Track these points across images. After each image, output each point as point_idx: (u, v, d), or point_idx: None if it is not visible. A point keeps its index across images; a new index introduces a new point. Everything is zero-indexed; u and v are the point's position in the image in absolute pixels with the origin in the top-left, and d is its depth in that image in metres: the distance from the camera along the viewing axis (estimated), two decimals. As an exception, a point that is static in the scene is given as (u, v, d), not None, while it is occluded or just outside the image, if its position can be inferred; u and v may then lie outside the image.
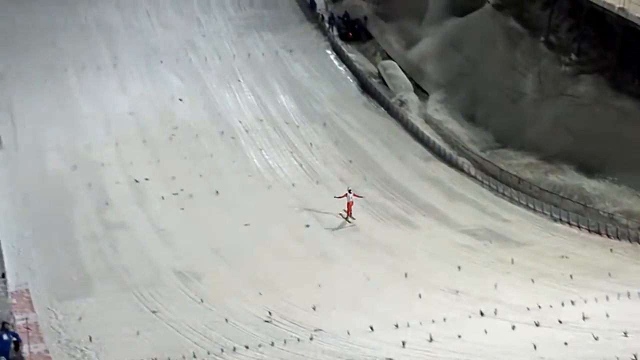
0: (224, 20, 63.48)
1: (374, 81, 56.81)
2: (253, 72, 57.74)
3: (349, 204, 41.96)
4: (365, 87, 56.72)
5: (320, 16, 63.69)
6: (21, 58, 56.89)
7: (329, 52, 60.65)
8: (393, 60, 58.40)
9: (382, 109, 54.69)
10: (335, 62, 59.60)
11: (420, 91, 55.92)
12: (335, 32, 62.16)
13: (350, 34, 62.16)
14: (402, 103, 53.96)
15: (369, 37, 62.10)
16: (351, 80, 57.59)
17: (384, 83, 56.43)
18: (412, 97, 54.53)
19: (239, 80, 56.81)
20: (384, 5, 63.63)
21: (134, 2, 64.18)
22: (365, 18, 62.87)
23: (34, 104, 52.84)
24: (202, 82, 56.26)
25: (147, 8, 63.75)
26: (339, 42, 61.18)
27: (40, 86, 54.49)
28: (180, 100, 54.13)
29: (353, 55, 59.89)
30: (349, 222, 42.04)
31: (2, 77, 54.86)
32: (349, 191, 42.20)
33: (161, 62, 57.95)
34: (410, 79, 56.30)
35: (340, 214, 42.41)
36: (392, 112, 53.86)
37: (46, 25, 60.52)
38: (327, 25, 62.59)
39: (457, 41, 55.81)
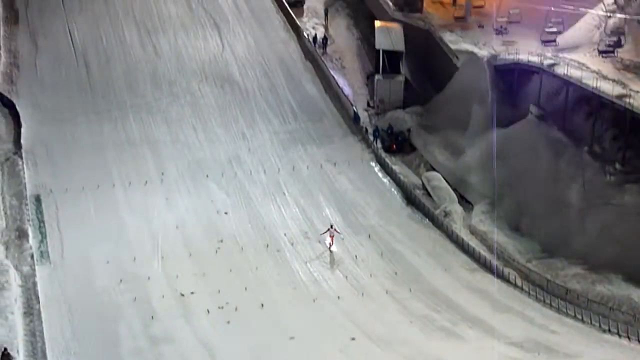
0: (269, 134, 64.68)
1: (419, 193, 57.46)
2: (298, 185, 58.64)
3: (332, 237, 51.07)
4: (409, 199, 57.33)
5: (364, 129, 64.79)
6: (69, 173, 58.39)
7: (373, 164, 61.48)
8: (437, 171, 59.20)
9: (427, 220, 55.13)
10: (380, 174, 60.35)
11: (465, 202, 56.50)
12: (379, 145, 63.17)
13: (394, 146, 63.18)
14: (447, 214, 54.50)
15: (413, 149, 63.04)
16: (395, 192, 58.26)
17: (429, 195, 57.08)
18: (456, 209, 55.07)
19: (284, 193, 57.70)
20: (427, 118, 64.75)
21: (181, 117, 65.81)
22: (409, 130, 63.94)
23: (81, 218, 54.02)
24: (248, 196, 57.19)
25: (193, 123, 65.29)
26: (383, 154, 62.05)
27: (87, 201, 55.67)
28: (226, 213, 55.12)
29: (397, 167, 60.70)
30: (331, 251, 50.86)
31: (51, 192, 56.31)
32: (331, 226, 51.75)
33: (207, 176, 59.09)
34: (454, 190, 57.00)
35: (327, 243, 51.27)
36: (437, 224, 54.31)
37: (96, 141, 62.26)
38: (371, 137, 63.64)
39: (501, 152, 56.44)
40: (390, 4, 73.42)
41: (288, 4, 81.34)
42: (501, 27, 67.04)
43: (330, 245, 51.49)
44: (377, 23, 71.68)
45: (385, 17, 73.10)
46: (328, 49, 75.01)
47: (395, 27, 70.30)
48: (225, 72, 71.58)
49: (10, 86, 68.22)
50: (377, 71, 68.10)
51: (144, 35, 76.08)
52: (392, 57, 67.88)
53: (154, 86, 69.22)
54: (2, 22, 76.31)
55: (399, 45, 68.28)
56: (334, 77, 70.18)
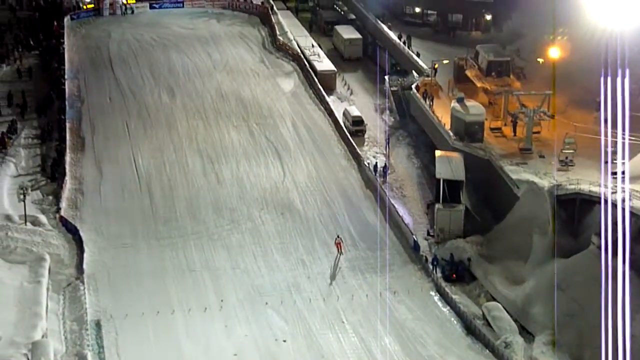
0: (328, 262, 65.79)
1: (479, 323, 57.96)
2: (357, 313, 59.49)
3: (339, 245, 66.21)
4: (469, 329, 57.88)
5: (424, 258, 65.78)
6: (130, 299, 60.06)
7: (432, 293, 62.25)
8: (497, 301, 59.79)
9: (487, 351, 55.52)
10: (439, 304, 61.07)
11: (526, 333, 56.86)
12: (439, 274, 64.00)
13: (454, 275, 63.99)
14: (508, 345, 54.84)
15: (473, 278, 63.75)
16: (455, 322, 58.86)
17: (489, 325, 57.50)
18: (517, 339, 55.42)
19: (343, 322, 58.55)
20: (488, 247, 65.60)
21: (241, 244, 67.31)
22: (469, 259, 64.72)
23: (140, 344, 55.46)
24: (306, 324, 58.12)
25: (253, 250, 66.64)
26: (443, 283, 62.83)
27: (147, 327, 57.14)
28: (284, 341, 56.13)
29: (457, 296, 61.33)
30: (342, 253, 65.75)
31: (111, 317, 57.91)
32: (338, 236, 66.82)
33: (266, 303, 60.24)
34: (515, 320, 57.42)
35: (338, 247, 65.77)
36: (498, 355, 54.65)
37: (156, 268, 64.00)
38: (430, 266, 64.58)
39: (563, 283, 57.04)
40: (451, 133, 75.33)
41: (349, 132, 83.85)
42: (566, 158, 68.23)
43: (339, 251, 65.34)
44: (438, 152, 73.61)
45: (445, 146, 74.95)
46: (388, 178, 76.68)
47: (456, 156, 72.04)
48: (286, 199, 73.46)
49: (75, 212, 70.81)
50: (438, 200, 69.33)
51: (207, 162, 78.77)
52: (453, 186, 69.21)
53: (216, 213, 71.17)
54: (68, 149, 79.51)
55: (459, 175, 69.84)
56: (394, 206, 71.56)
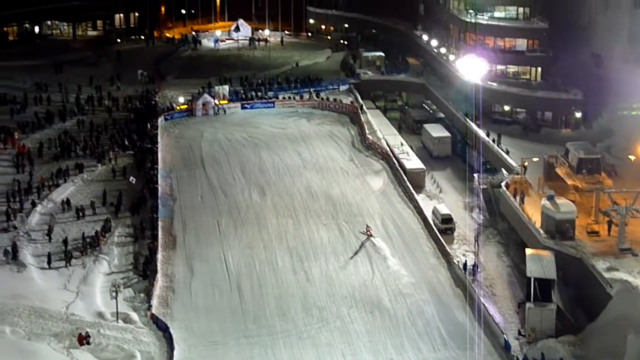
0: (417, 360, 65.96)
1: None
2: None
3: (368, 232, 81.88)
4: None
5: (516, 358, 65.02)
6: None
7: (525, 395, 61.82)
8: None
9: None
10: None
11: None
12: (530, 379, 63.46)
13: (546, 381, 63.35)
14: None
15: (567, 379, 63.03)
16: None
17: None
18: None
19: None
20: (581, 347, 64.61)
21: (330, 343, 67.35)
22: (562, 360, 64.23)
23: None
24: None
25: (342, 349, 66.47)
26: (535, 381, 62.35)
27: None
28: None
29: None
30: (373, 236, 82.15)
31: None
32: (367, 225, 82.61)
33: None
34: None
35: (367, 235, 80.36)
36: None
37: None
38: (521, 377, 64.09)
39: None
40: (542, 231, 75.18)
41: (438, 231, 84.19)
42: None
43: (369, 235, 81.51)
44: (528, 251, 73.50)
45: (536, 244, 74.79)
46: (478, 276, 76.57)
47: (547, 255, 71.79)
48: (375, 298, 73.61)
49: (166, 309, 72.04)
50: (529, 299, 68.87)
51: (296, 261, 79.71)
52: (544, 285, 68.79)
53: (305, 311, 71.62)
54: (160, 247, 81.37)
55: (551, 273, 69.48)
56: (484, 305, 71.22)
